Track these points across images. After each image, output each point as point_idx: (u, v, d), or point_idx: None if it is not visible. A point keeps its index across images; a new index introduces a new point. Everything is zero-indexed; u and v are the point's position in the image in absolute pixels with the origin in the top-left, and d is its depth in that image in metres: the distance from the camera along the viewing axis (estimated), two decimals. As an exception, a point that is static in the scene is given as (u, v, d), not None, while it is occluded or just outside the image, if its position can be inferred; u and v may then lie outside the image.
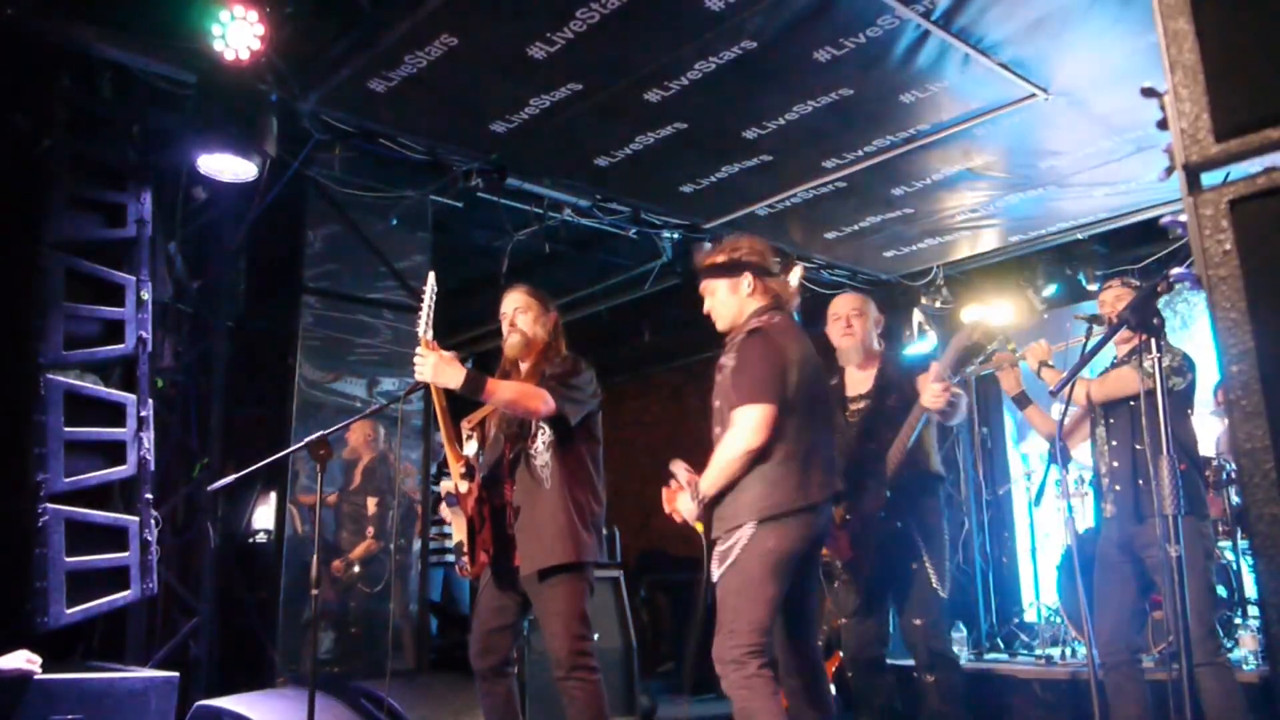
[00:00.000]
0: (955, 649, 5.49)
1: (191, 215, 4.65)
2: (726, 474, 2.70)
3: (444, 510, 3.33)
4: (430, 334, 3.00)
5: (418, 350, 3.00)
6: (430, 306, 3.02)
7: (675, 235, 5.80)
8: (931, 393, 3.31)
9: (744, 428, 2.68)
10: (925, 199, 5.41)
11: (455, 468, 3.19)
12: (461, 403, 3.15)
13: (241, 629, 4.64)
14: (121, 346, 3.95)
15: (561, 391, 3.15)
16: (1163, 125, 0.97)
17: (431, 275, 3.08)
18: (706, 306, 2.99)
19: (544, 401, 3.09)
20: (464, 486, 3.17)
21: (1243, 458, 0.85)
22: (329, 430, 3.18)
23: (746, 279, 2.92)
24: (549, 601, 3.11)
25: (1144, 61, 3.85)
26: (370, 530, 5.00)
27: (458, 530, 3.23)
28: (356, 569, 4.92)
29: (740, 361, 2.79)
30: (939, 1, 3.55)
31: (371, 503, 5.06)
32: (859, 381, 3.70)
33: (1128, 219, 5.71)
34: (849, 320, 3.70)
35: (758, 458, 2.68)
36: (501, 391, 3.09)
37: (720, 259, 2.96)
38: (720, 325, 2.97)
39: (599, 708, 3.09)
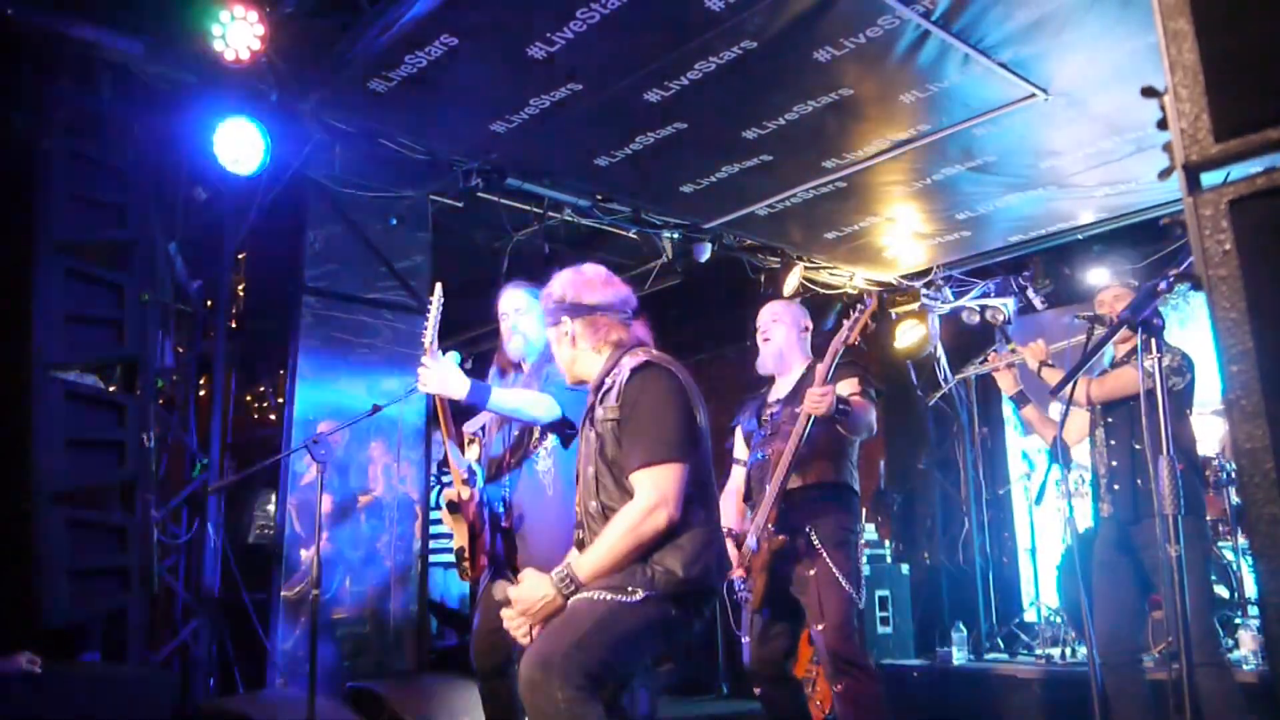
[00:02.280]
0: (955, 649, 5.51)
1: (191, 215, 4.65)
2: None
3: (444, 517, 3.30)
4: (435, 343, 2.98)
5: (422, 360, 2.97)
6: (437, 316, 3.00)
7: (675, 235, 5.80)
8: (810, 398, 3.16)
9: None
10: (925, 199, 5.41)
11: (457, 474, 3.18)
12: (466, 408, 3.13)
13: (241, 629, 4.64)
14: (121, 346, 3.95)
15: (566, 397, 3.14)
16: (1163, 125, 0.97)
17: (439, 286, 3.04)
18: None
19: (548, 409, 3.07)
20: (465, 493, 3.16)
21: (1243, 458, 0.85)
22: (329, 430, 3.18)
23: (564, 325, 2.51)
24: None
25: (1144, 61, 3.85)
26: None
27: (459, 536, 3.22)
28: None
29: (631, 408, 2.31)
30: (939, 1, 3.55)
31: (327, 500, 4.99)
32: (781, 388, 3.60)
33: (1128, 219, 5.72)
34: (765, 329, 3.62)
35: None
36: (506, 400, 3.06)
37: (541, 304, 2.60)
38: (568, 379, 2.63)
39: None
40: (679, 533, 2.25)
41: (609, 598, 2.20)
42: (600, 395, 2.40)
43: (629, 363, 2.36)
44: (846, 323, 3.28)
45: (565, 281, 2.54)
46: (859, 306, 3.33)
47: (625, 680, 2.30)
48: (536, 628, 2.28)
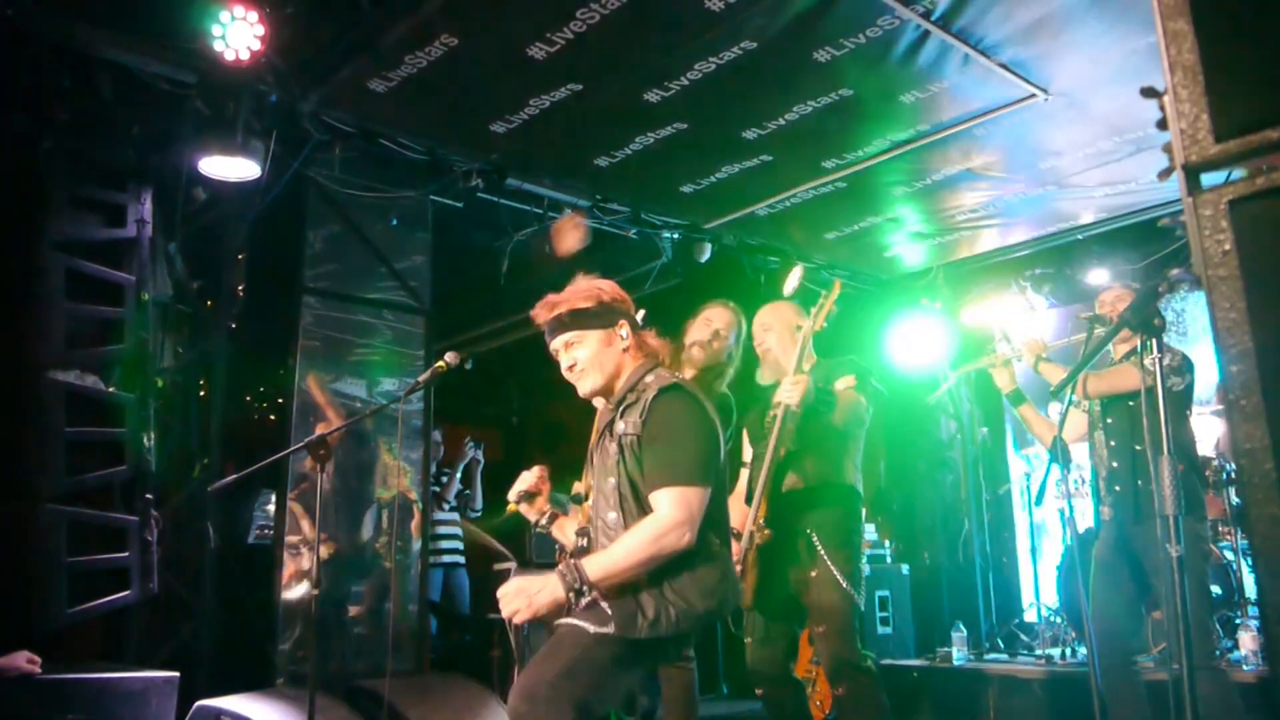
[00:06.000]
0: (955, 649, 5.51)
1: (191, 215, 4.65)
2: None
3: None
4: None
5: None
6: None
7: (675, 235, 5.80)
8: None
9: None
10: (925, 199, 5.41)
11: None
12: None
13: (241, 629, 4.63)
14: (121, 346, 3.95)
15: None
16: (1162, 125, 0.97)
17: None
18: (566, 363, 2.45)
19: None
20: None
21: (1243, 458, 0.85)
22: (329, 430, 3.17)
23: (623, 329, 2.44)
24: None
25: (1144, 62, 3.86)
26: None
27: None
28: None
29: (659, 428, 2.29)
30: (939, 2, 3.55)
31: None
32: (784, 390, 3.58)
33: (1128, 219, 5.72)
34: (759, 340, 3.65)
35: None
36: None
37: (587, 304, 2.43)
38: (587, 387, 2.44)
39: None
40: (697, 564, 2.24)
41: (598, 631, 2.17)
42: (621, 409, 2.37)
43: (654, 381, 2.36)
44: (813, 310, 3.31)
45: (615, 289, 2.51)
46: (823, 293, 3.39)
47: (615, 705, 2.29)
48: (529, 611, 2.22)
